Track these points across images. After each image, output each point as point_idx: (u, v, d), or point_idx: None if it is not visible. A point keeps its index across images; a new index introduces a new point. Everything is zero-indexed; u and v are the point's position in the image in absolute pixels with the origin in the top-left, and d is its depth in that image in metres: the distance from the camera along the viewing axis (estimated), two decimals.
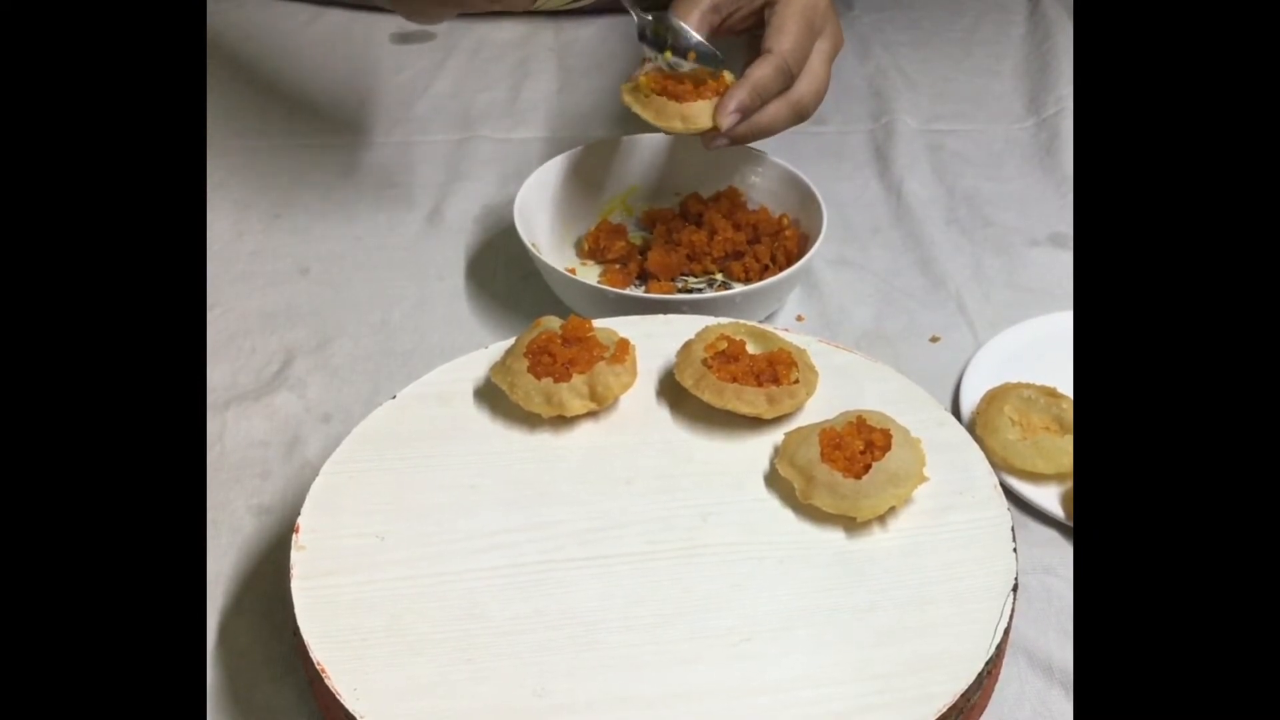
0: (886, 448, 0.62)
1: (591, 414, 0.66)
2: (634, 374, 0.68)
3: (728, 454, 0.65)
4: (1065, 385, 0.72)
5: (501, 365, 0.67)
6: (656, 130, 0.81)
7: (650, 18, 0.81)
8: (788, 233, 0.83)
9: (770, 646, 0.56)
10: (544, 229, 0.85)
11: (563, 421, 0.66)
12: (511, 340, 0.69)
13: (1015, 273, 0.87)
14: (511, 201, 0.82)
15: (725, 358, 0.67)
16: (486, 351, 0.70)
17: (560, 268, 0.79)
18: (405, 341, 0.80)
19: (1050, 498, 0.69)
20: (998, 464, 0.68)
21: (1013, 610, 0.58)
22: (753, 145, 0.84)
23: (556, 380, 0.65)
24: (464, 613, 0.57)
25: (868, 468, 0.61)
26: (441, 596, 0.58)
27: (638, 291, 0.81)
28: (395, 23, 1.11)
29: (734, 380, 0.66)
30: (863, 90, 1.05)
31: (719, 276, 0.83)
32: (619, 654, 0.56)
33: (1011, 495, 0.67)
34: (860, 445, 0.62)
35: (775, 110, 0.80)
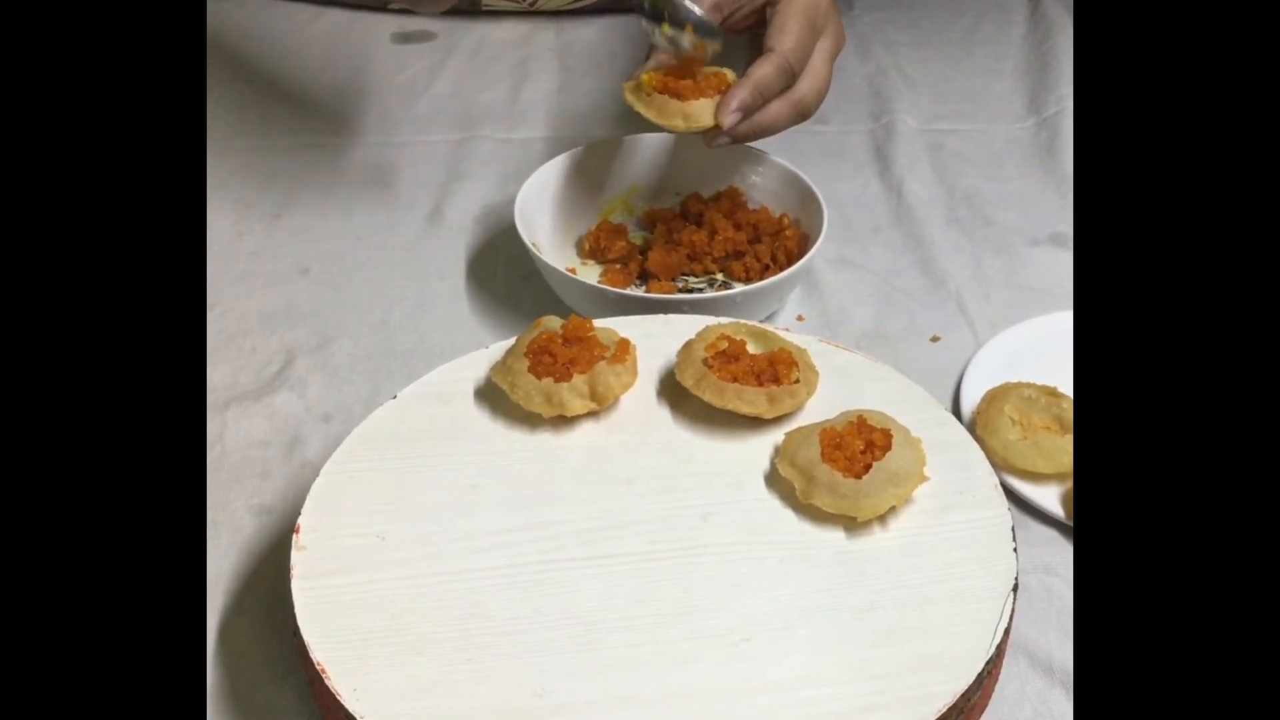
0: (887, 447, 0.62)
1: (592, 414, 0.66)
2: (634, 374, 0.68)
3: (728, 454, 0.65)
4: (1065, 385, 0.72)
5: (502, 365, 0.67)
6: (658, 129, 0.80)
7: None
8: (788, 232, 0.83)
9: (770, 646, 0.56)
10: (544, 229, 0.85)
11: (563, 421, 0.66)
12: (512, 340, 0.69)
13: (1015, 272, 0.87)
14: (512, 201, 0.82)
15: (726, 357, 0.67)
16: (487, 351, 0.70)
17: (561, 267, 0.79)
18: (405, 341, 0.80)
19: (1050, 497, 0.69)
20: (998, 464, 0.68)
21: (1013, 610, 0.58)
22: (753, 145, 0.84)
23: (557, 380, 0.65)
24: (464, 613, 0.57)
25: (868, 467, 0.61)
26: (442, 596, 0.58)
27: (638, 291, 0.81)
28: (395, 23, 1.11)
29: (734, 380, 0.66)
30: (863, 90, 1.05)
31: (719, 276, 0.83)
32: (619, 654, 0.56)
33: (1012, 495, 0.67)
34: (861, 445, 0.62)
35: (777, 109, 0.80)
